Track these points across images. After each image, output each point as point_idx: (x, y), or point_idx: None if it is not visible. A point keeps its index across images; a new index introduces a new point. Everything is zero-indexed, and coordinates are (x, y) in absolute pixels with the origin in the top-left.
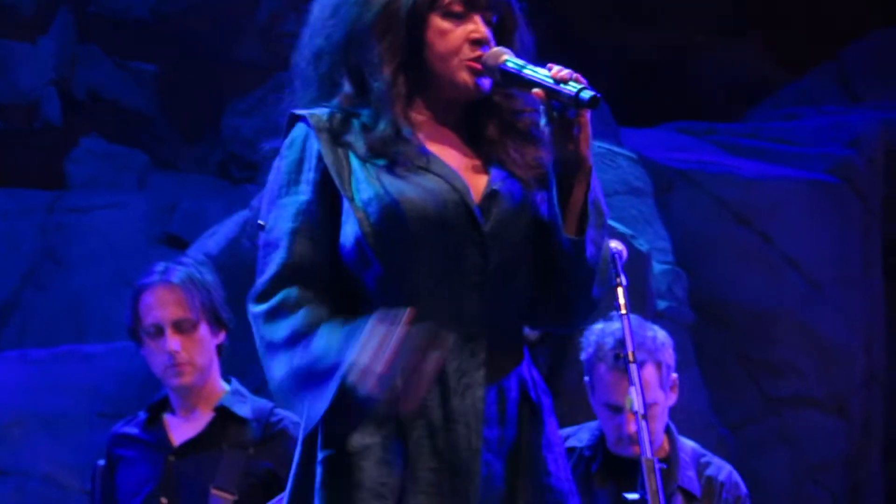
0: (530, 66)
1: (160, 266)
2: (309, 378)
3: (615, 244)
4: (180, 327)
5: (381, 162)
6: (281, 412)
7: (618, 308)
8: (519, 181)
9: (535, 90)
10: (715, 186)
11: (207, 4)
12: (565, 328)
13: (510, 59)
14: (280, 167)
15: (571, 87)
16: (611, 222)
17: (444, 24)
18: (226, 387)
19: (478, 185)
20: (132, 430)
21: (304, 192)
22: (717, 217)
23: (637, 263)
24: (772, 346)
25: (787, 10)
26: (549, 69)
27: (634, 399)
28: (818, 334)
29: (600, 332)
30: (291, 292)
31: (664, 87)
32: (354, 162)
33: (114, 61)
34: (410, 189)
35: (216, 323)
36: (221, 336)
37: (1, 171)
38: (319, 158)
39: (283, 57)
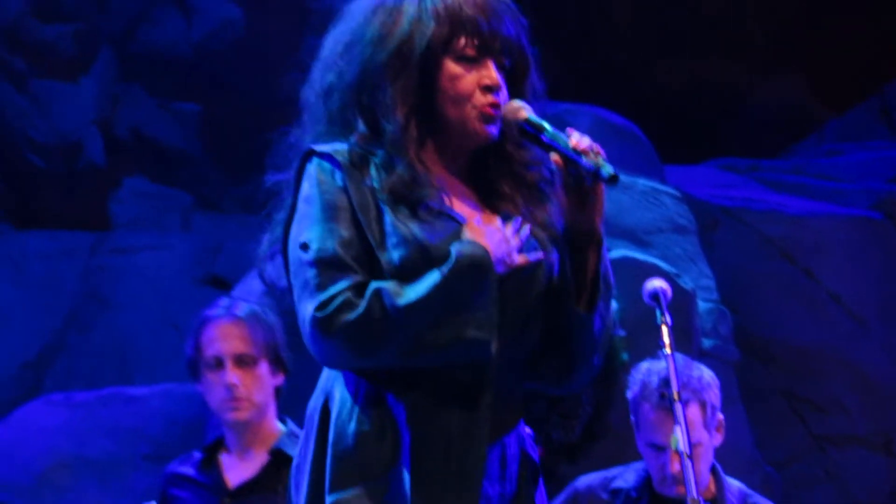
0: (550, 129)
1: (225, 301)
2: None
3: (660, 283)
4: (241, 361)
5: (404, 205)
6: None
7: (663, 347)
8: (534, 239)
9: (554, 156)
10: (759, 223)
11: (250, 43)
12: (563, 390)
13: (531, 118)
14: (311, 196)
15: (591, 161)
16: (656, 261)
17: (457, 69)
18: (282, 428)
19: None
20: (188, 470)
21: (344, 229)
22: (761, 254)
23: (682, 302)
24: (817, 384)
25: (830, 47)
26: (569, 135)
27: (679, 438)
28: (863, 371)
29: (646, 372)
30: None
31: (708, 124)
32: (381, 203)
33: (156, 101)
34: (437, 236)
35: (277, 363)
36: (280, 378)
37: (44, 212)
38: (348, 195)
39: None
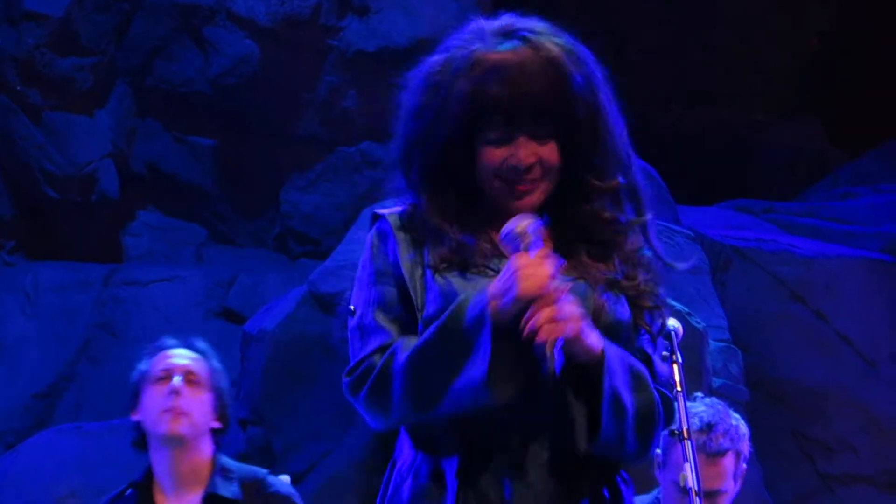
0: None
1: (178, 337)
2: (442, 345)
3: (672, 322)
4: (189, 380)
5: (454, 268)
6: (272, 481)
7: (674, 386)
8: (581, 283)
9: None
10: (771, 264)
11: (267, 79)
12: (625, 460)
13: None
14: (366, 262)
15: (546, 352)
16: (668, 300)
17: (488, 149)
18: (215, 463)
19: None
20: None
21: (388, 292)
22: (773, 295)
23: (693, 341)
24: (826, 424)
25: (844, 91)
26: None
27: (689, 476)
28: (872, 412)
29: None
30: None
31: (723, 166)
32: (427, 266)
33: (172, 135)
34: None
35: (220, 406)
36: (218, 424)
37: (58, 243)
38: (397, 258)
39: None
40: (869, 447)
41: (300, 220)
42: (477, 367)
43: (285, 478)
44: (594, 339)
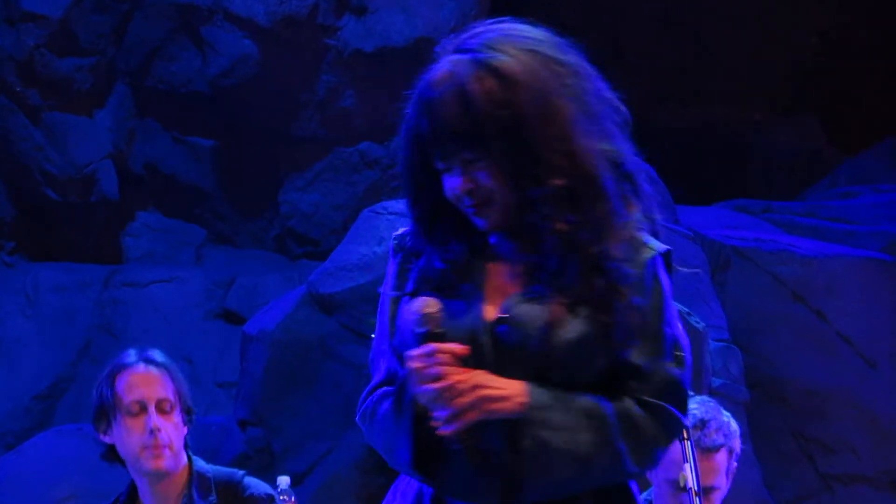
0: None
1: (134, 349)
2: (387, 421)
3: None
4: (162, 408)
5: (427, 291)
6: (248, 482)
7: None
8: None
9: None
10: (771, 264)
11: (265, 79)
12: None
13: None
14: (383, 286)
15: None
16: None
17: (443, 177)
18: (189, 473)
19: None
20: None
21: (388, 318)
22: (773, 295)
23: (693, 341)
24: (826, 424)
25: (843, 90)
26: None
27: (689, 476)
28: (872, 411)
29: None
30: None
31: (721, 166)
32: (406, 290)
33: (171, 135)
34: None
35: (186, 412)
36: (186, 429)
37: (57, 244)
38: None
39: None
40: (869, 447)
41: (299, 220)
42: (403, 452)
43: (285, 478)
44: (509, 405)
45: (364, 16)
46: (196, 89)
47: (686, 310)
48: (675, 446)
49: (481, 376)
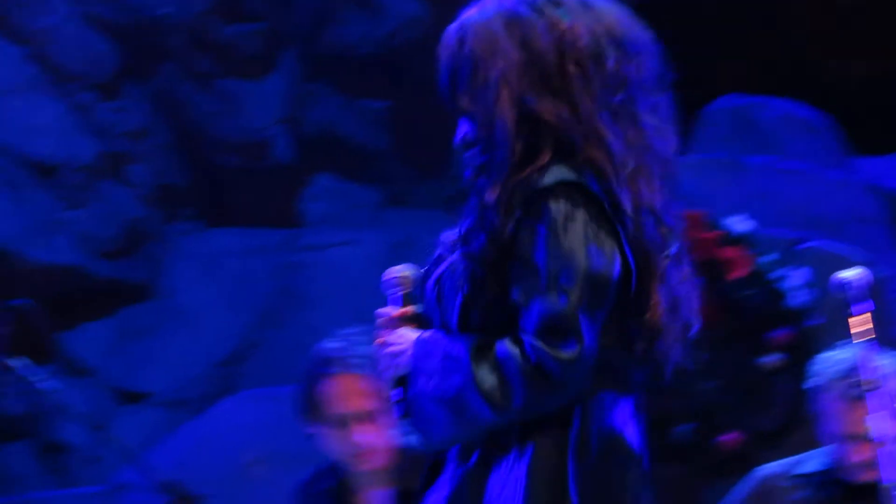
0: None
1: (335, 347)
2: None
3: (850, 272)
4: (363, 418)
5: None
6: None
7: (850, 336)
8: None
9: None
10: None
11: (435, 39)
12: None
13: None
14: None
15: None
16: (846, 250)
17: None
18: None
19: None
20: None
21: None
22: None
23: (873, 291)
24: None
25: None
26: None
27: (872, 426)
28: None
29: (825, 361)
30: None
31: None
32: None
33: (343, 98)
34: None
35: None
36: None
37: (234, 210)
38: None
39: None
40: None
41: None
42: None
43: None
44: (405, 359)
45: None
46: (366, 52)
47: (865, 259)
48: (829, 399)
49: (394, 335)
